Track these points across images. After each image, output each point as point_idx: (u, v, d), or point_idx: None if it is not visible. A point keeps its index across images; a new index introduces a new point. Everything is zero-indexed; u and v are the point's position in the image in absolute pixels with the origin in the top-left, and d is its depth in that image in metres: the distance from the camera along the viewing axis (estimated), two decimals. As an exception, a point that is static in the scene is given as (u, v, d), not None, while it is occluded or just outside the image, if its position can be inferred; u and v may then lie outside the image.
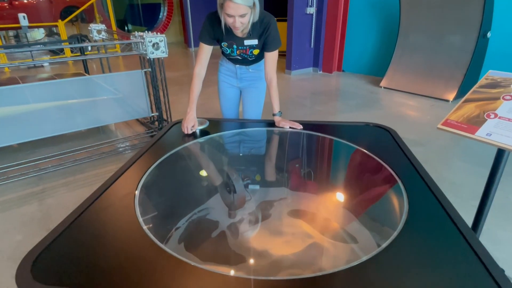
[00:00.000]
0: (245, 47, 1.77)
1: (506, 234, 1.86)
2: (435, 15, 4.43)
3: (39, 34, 8.52)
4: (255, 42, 1.74)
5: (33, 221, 2.02)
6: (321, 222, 1.06)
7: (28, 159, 2.62)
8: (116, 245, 0.90)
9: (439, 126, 1.33)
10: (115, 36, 4.12)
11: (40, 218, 2.05)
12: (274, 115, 1.82)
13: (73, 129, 2.77)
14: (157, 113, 3.13)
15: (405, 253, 0.87)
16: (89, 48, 7.07)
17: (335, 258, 0.89)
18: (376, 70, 5.73)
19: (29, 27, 6.41)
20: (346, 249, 0.93)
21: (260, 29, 1.70)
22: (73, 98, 2.70)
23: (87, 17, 8.20)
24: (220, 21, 1.64)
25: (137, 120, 3.64)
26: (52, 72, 6.10)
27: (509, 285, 0.75)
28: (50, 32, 8.47)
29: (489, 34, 4.16)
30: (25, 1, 7.08)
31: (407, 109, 4.15)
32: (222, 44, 1.80)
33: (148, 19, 10.73)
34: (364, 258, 0.85)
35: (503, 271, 0.81)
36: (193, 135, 1.67)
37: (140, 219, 1.01)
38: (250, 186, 1.26)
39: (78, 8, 7.40)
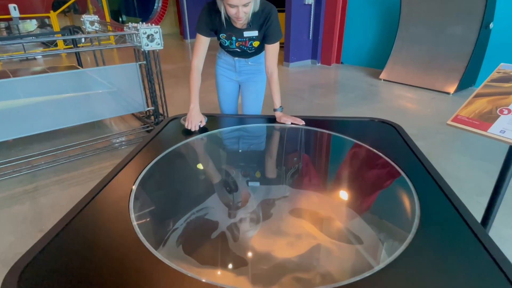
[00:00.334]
0: (244, 39, 1.69)
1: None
2: (436, 6, 4.34)
3: (31, 25, 8.31)
4: (255, 33, 1.66)
5: (26, 221, 1.96)
6: (325, 222, 1.01)
7: (20, 156, 2.54)
8: (110, 253, 0.84)
9: (449, 122, 1.27)
10: (109, 27, 4.00)
11: (33, 218, 1.98)
12: (275, 110, 1.75)
13: (67, 124, 2.68)
14: (152, 107, 3.05)
15: (422, 259, 0.82)
16: (83, 40, 6.91)
17: (341, 261, 0.84)
18: (375, 62, 5.64)
19: (20, 18, 6.23)
20: (352, 251, 0.88)
21: (260, 20, 1.61)
22: (66, 92, 2.61)
23: (80, 8, 7.99)
24: (218, 11, 1.56)
25: (133, 114, 3.56)
26: (45, 65, 5.96)
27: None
28: (42, 24, 8.26)
29: (491, 25, 4.08)
30: (16, -9, 6.88)
31: (407, 102, 4.09)
32: (220, 35, 1.71)
33: (142, 9, 10.51)
34: (378, 268, 0.80)
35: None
36: (191, 132, 1.60)
37: (135, 223, 0.95)
38: (250, 184, 1.21)
39: (70, -2, 7.21)
